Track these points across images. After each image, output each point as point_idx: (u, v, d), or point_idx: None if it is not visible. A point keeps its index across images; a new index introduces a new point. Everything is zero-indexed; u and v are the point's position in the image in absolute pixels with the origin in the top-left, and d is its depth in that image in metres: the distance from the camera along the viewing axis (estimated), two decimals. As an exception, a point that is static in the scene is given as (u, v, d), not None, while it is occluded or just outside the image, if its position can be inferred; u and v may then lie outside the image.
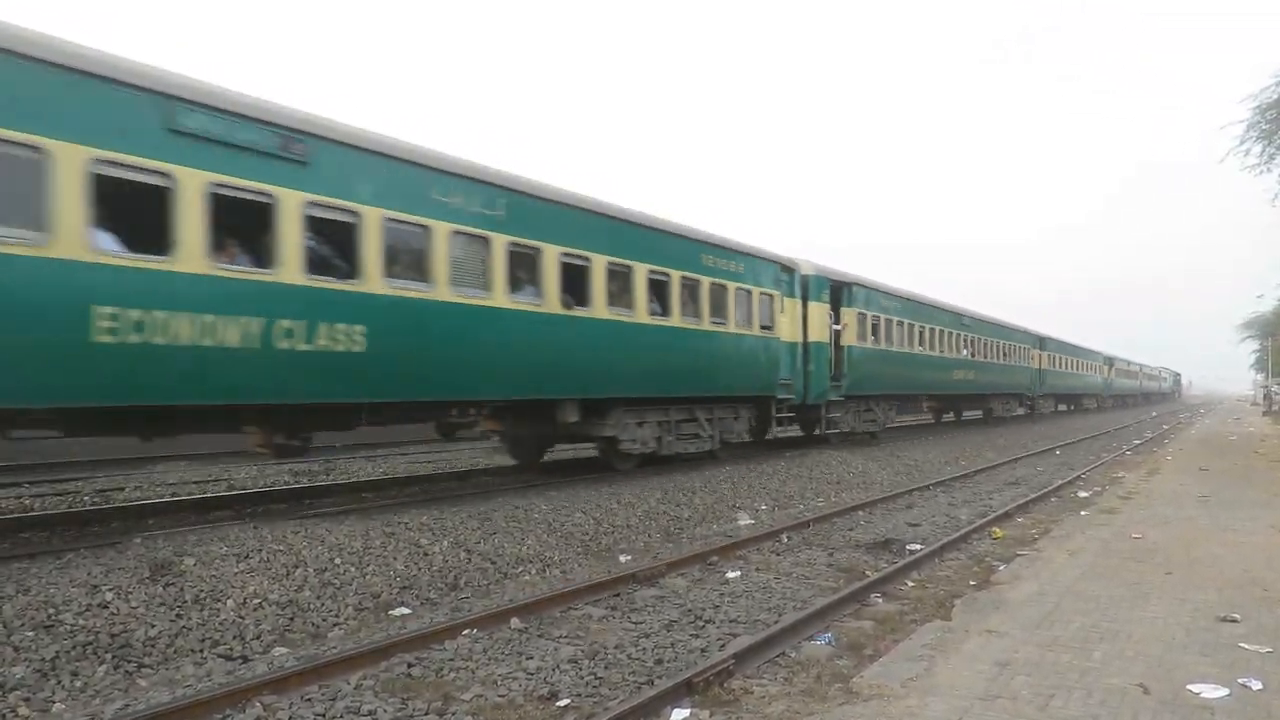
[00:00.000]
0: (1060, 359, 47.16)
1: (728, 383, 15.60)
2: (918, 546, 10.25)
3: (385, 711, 5.11)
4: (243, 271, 8.09)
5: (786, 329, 17.47)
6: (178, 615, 6.39)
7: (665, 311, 13.79)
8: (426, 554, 8.46)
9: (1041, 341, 42.69)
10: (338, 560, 7.82)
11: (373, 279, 9.07)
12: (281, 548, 7.76)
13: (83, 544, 7.69)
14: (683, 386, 14.26)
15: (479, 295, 10.35)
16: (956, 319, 28.37)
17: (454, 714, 5.14)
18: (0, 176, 6.62)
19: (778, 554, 9.94)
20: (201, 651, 6.14)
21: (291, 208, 8.36)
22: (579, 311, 11.91)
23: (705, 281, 14.74)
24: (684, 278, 14.19)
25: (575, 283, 11.95)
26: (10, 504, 11.26)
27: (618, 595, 7.95)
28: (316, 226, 8.71)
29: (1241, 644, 5.81)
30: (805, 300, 18.39)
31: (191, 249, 7.56)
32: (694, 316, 14.46)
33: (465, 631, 6.62)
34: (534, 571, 8.89)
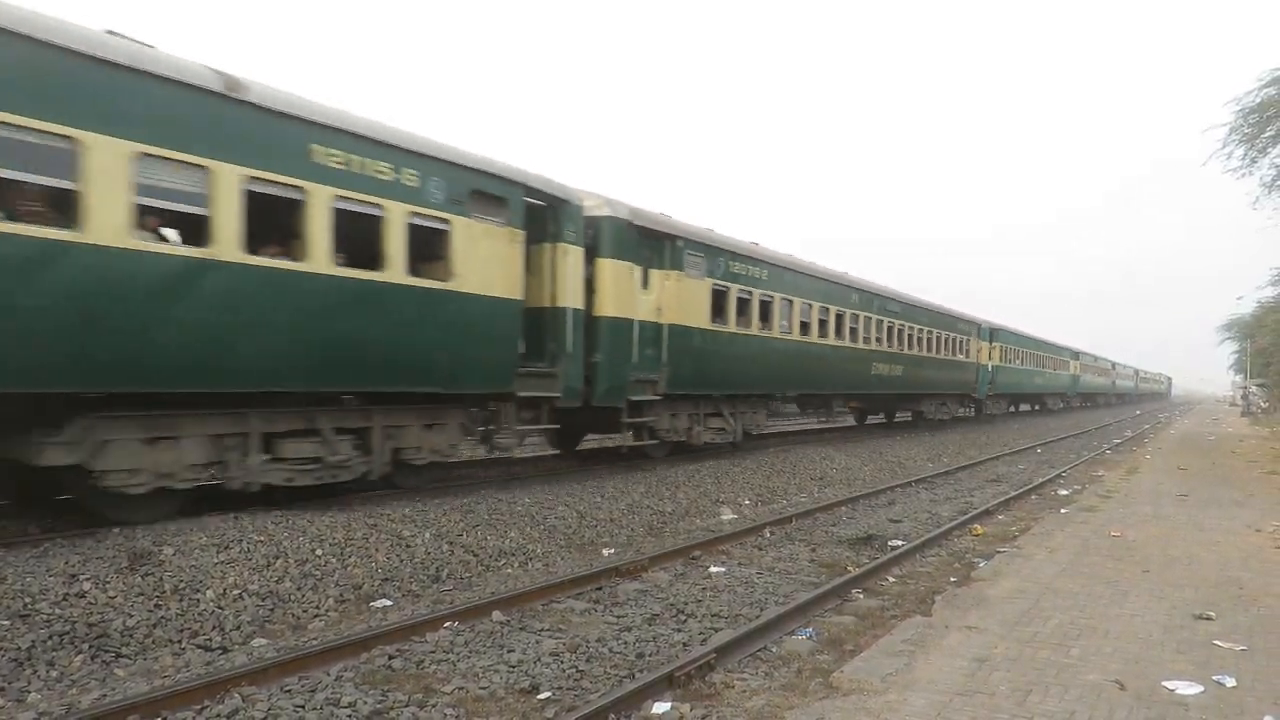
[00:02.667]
0: (1121, 370, 71.18)
1: None
2: (899, 543, 10.32)
3: (365, 703, 5.09)
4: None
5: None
6: (156, 605, 6.34)
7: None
8: (409, 546, 8.43)
9: (1112, 364, 65.75)
10: (319, 551, 7.78)
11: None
12: (262, 538, 7.71)
13: (60, 533, 7.59)
14: None
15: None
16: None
17: (434, 706, 5.13)
18: None
19: (760, 549, 9.98)
20: (180, 642, 6.09)
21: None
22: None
23: None
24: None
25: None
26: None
27: (600, 589, 7.95)
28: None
29: (1216, 641, 5.88)
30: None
31: None
32: None
33: (447, 624, 6.61)
34: (516, 564, 8.87)
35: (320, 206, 8.58)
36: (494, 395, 11.00)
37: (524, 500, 10.70)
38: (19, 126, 6.47)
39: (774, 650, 6.31)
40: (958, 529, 11.35)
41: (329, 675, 5.53)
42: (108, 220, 7.01)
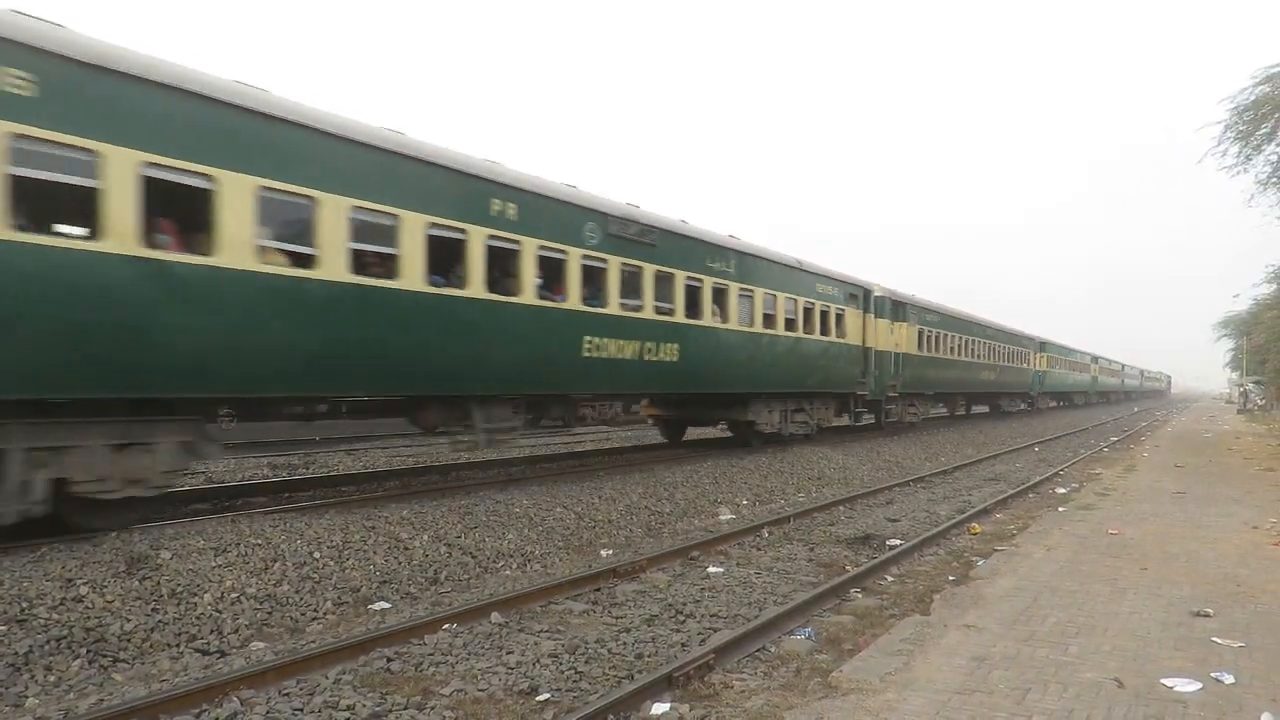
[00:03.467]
0: (1129, 370, 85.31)
1: None
2: (897, 542, 10.32)
3: (364, 706, 5.09)
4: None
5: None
6: (154, 609, 6.33)
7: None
8: (406, 548, 8.42)
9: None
10: (317, 554, 7.77)
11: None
12: (260, 541, 7.70)
13: (57, 537, 7.57)
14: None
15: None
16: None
17: (433, 709, 5.13)
18: None
19: (759, 549, 9.98)
20: (178, 646, 6.09)
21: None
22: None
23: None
24: None
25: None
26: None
27: (599, 590, 7.94)
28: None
29: (1214, 638, 5.89)
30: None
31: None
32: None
33: (445, 626, 6.61)
34: (515, 566, 8.87)
35: (816, 311, 19.20)
36: (847, 393, 21.40)
37: (522, 502, 10.70)
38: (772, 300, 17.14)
39: (773, 650, 6.31)
40: (956, 528, 11.35)
41: (327, 678, 5.52)
42: (789, 323, 17.93)
